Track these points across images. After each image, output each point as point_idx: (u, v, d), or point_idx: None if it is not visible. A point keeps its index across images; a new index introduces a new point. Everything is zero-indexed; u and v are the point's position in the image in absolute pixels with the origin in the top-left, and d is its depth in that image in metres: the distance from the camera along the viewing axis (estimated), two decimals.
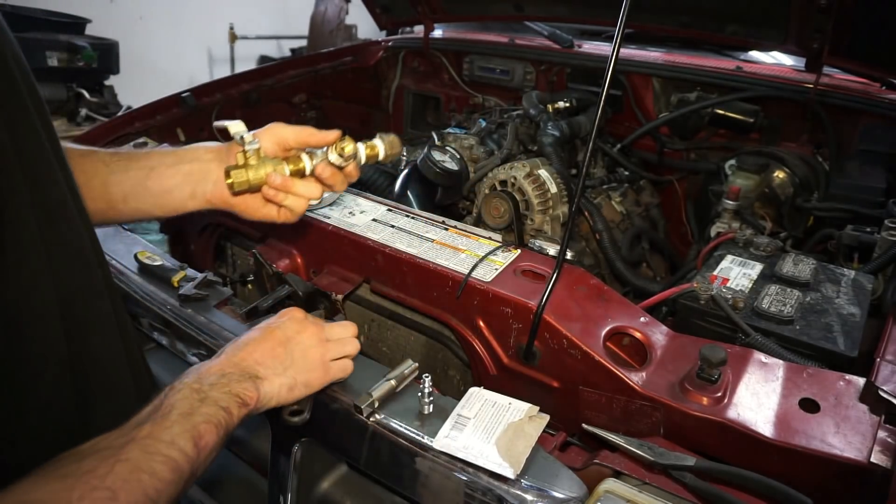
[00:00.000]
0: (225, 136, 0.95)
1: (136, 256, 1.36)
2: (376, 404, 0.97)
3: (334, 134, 0.98)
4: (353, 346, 0.99)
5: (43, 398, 0.64)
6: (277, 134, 0.97)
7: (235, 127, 0.92)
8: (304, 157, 0.98)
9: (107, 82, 4.26)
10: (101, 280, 0.73)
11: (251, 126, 0.95)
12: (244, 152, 0.92)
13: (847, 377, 0.93)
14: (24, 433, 0.63)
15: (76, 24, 4.22)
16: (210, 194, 0.96)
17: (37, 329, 0.62)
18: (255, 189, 0.95)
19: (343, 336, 0.99)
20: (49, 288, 0.63)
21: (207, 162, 0.96)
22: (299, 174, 0.97)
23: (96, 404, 0.70)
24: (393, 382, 0.99)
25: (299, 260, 1.35)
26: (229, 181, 0.92)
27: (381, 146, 1.03)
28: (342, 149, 0.96)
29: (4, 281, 0.57)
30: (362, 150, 1.01)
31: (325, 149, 0.99)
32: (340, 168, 0.99)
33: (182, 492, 0.68)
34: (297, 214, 1.00)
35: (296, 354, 0.90)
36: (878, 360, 0.93)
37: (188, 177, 0.95)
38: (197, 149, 0.99)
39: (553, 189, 1.65)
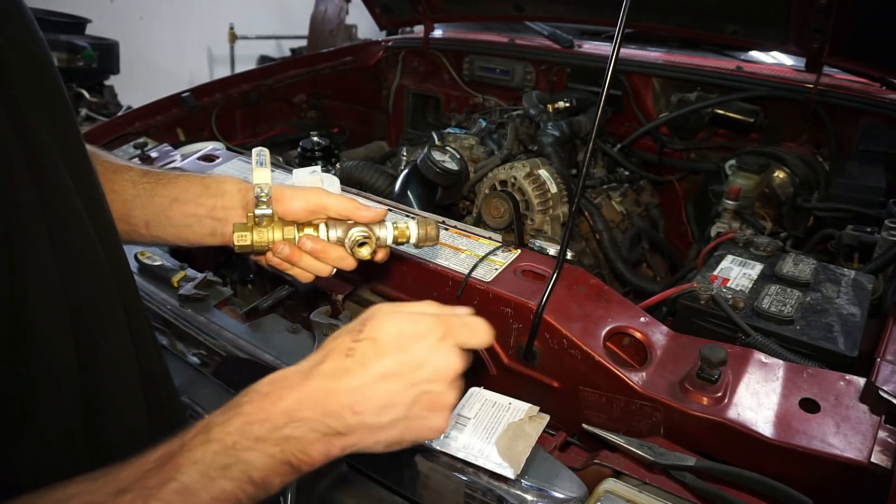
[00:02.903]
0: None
1: (136, 256, 1.36)
2: None
3: (378, 214, 0.87)
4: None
5: (52, 410, 0.62)
6: (314, 201, 0.86)
7: (259, 178, 0.82)
8: (322, 228, 0.87)
9: (107, 82, 4.26)
10: (115, 291, 0.70)
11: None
12: (253, 215, 0.84)
13: (847, 377, 0.93)
14: (30, 443, 0.60)
15: (76, 24, 4.21)
16: (230, 237, 0.88)
17: (48, 340, 0.60)
18: (259, 252, 0.87)
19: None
20: (61, 299, 0.61)
21: (231, 197, 0.90)
22: None
23: (104, 417, 0.67)
24: None
25: None
26: (234, 243, 0.85)
27: (413, 233, 0.88)
28: (360, 246, 0.86)
29: (17, 293, 0.56)
30: (390, 235, 0.88)
31: (345, 227, 0.87)
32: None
33: None
34: (304, 281, 0.91)
35: (422, 404, 0.60)
36: (879, 360, 0.93)
37: (210, 212, 0.89)
38: (225, 182, 0.91)
39: (553, 189, 1.65)
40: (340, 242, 0.87)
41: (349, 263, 0.88)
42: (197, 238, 0.91)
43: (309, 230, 0.87)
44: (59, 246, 0.61)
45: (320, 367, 0.59)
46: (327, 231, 0.87)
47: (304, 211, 0.87)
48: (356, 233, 0.86)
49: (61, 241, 0.62)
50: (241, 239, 0.85)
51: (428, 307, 0.66)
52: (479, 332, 0.64)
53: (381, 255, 0.90)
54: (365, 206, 0.86)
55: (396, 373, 0.59)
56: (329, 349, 0.61)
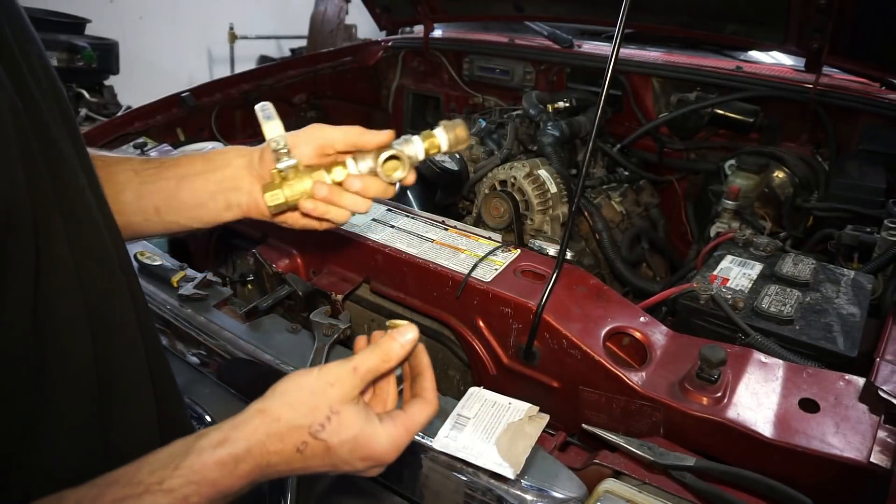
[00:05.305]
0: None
1: (135, 256, 1.36)
2: None
3: (386, 136, 0.83)
4: None
5: (69, 399, 0.63)
6: (318, 138, 0.84)
7: (271, 132, 0.79)
8: (350, 163, 0.83)
9: (107, 82, 4.25)
10: (125, 286, 0.71)
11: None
12: (278, 171, 0.80)
13: (847, 377, 0.93)
14: (47, 433, 0.62)
15: (76, 24, 4.21)
16: (246, 206, 0.87)
17: (66, 332, 0.62)
18: (294, 207, 0.83)
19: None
20: (77, 291, 0.63)
21: (238, 168, 0.87)
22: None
23: (116, 408, 0.68)
24: None
25: (299, 260, 1.35)
26: (267, 204, 0.81)
27: (443, 140, 0.83)
28: (389, 168, 0.82)
29: (37, 284, 0.58)
30: (420, 149, 0.84)
31: (373, 156, 0.83)
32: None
33: None
34: (340, 224, 0.88)
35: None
36: (878, 360, 0.93)
37: (220, 185, 0.86)
38: (227, 153, 0.89)
39: (553, 189, 1.65)
40: (373, 173, 0.83)
41: (391, 192, 0.85)
42: (212, 216, 0.88)
43: (338, 169, 0.83)
44: (73, 239, 0.62)
45: (270, 458, 0.63)
46: (357, 165, 0.83)
47: (313, 151, 0.85)
48: (386, 157, 0.82)
49: (75, 235, 0.63)
50: (274, 198, 0.80)
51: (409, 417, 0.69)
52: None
53: (411, 178, 0.86)
54: (370, 131, 0.84)
55: (328, 467, 0.66)
56: (288, 429, 0.64)
